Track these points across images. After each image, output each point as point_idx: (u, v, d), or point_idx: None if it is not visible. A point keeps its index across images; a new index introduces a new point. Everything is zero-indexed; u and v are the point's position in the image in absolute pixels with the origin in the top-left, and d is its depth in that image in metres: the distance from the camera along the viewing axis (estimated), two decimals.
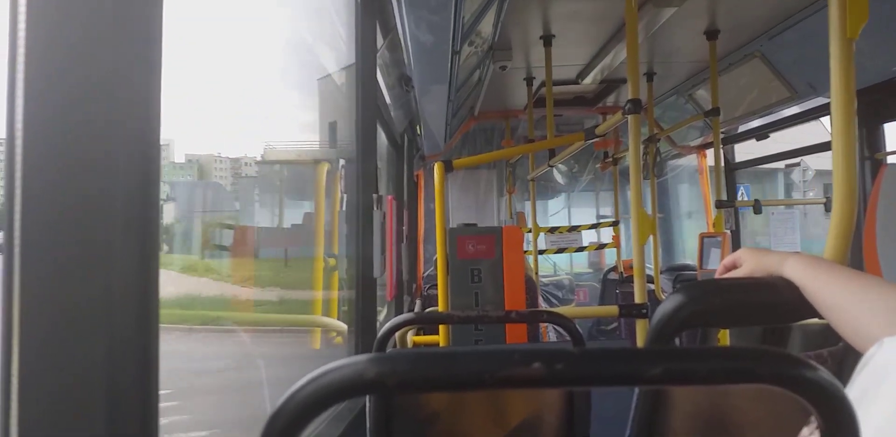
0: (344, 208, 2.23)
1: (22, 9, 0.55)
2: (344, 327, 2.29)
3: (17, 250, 0.55)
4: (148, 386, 0.61)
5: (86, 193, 0.56)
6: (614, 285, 5.20)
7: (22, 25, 0.55)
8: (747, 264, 1.00)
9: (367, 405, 1.29)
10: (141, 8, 0.61)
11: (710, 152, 4.86)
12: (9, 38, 0.55)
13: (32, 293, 0.55)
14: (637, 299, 2.24)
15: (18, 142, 0.55)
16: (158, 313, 0.63)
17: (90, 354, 0.56)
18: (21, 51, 0.55)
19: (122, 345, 0.58)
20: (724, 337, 3.14)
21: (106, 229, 0.57)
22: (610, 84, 4.50)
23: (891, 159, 2.86)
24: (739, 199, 4.87)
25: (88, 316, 0.57)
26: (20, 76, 0.55)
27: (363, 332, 2.00)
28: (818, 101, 3.37)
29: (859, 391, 0.60)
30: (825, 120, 3.48)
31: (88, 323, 0.57)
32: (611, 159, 5.36)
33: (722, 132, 3.80)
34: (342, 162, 2.25)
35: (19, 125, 0.55)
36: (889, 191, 2.37)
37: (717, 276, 1.05)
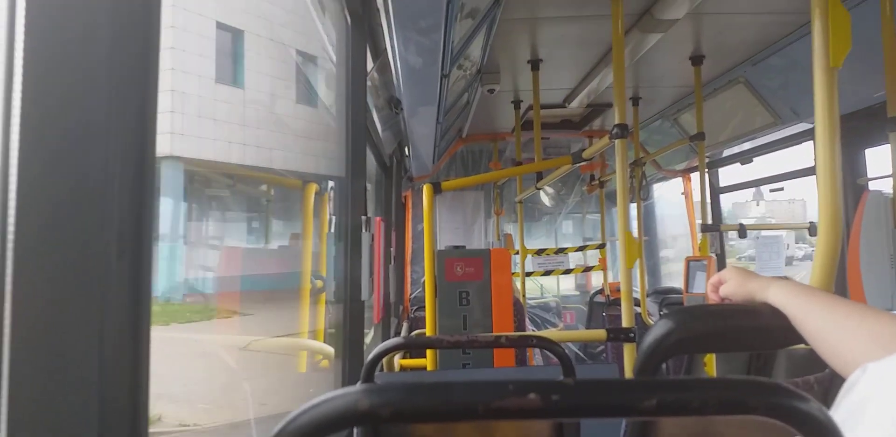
0: (332, 230, 2.22)
1: (21, 8, 0.55)
2: (331, 350, 2.27)
3: (9, 254, 0.55)
4: (138, 391, 0.61)
5: (80, 198, 0.56)
6: (601, 307, 5.20)
7: (21, 21, 0.55)
8: (732, 282, 1.01)
9: (354, 430, 1.28)
10: (140, 11, 0.62)
11: (695, 176, 4.91)
12: (6, 39, 0.55)
13: (24, 301, 0.55)
14: (624, 323, 2.24)
15: (14, 145, 0.55)
16: (150, 319, 0.63)
17: (81, 358, 0.56)
18: (19, 55, 0.55)
19: (114, 350, 0.58)
20: (711, 361, 3.15)
21: (99, 233, 0.57)
22: (596, 108, 4.55)
23: (873, 185, 2.90)
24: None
25: (80, 320, 0.56)
26: (17, 87, 0.55)
27: (351, 356, 1.99)
28: (803, 126, 3.42)
29: (843, 416, 0.60)
30: (808, 145, 3.53)
31: (80, 327, 0.56)
32: (597, 182, 5.40)
33: (707, 156, 3.84)
34: (331, 183, 2.25)
35: (15, 134, 0.55)
36: (872, 217, 2.39)
37: (707, 293, 1.07)
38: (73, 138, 0.56)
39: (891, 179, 2.43)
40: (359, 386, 0.45)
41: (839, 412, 0.61)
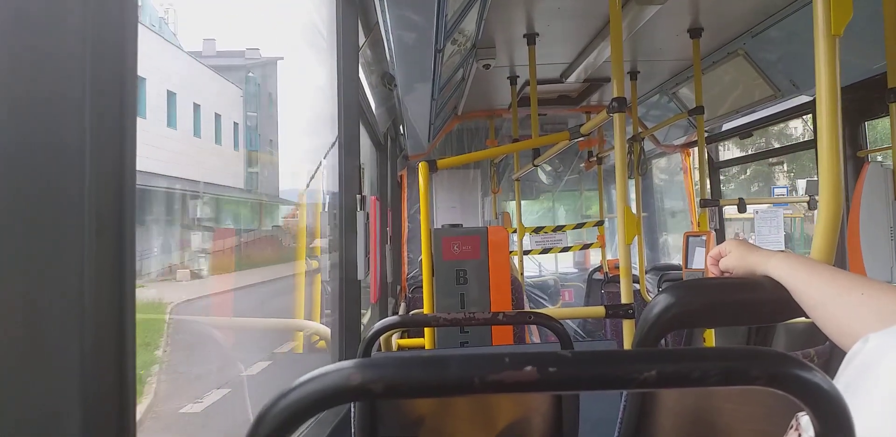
0: (326, 209, 2.20)
1: None
2: (327, 330, 2.26)
3: None
4: (125, 392, 0.59)
5: (53, 189, 0.54)
6: (599, 284, 5.21)
7: None
8: (732, 254, 1.01)
9: (353, 409, 1.27)
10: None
11: (694, 151, 4.88)
12: None
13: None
14: (623, 300, 2.24)
15: None
16: (135, 316, 0.61)
17: (62, 361, 0.54)
18: None
19: (96, 350, 0.56)
20: (710, 336, 3.16)
21: (76, 228, 0.55)
22: (594, 83, 4.50)
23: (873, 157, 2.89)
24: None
25: (60, 322, 0.54)
26: None
27: (347, 335, 1.98)
28: (802, 98, 3.39)
29: (844, 386, 0.60)
30: (807, 118, 3.50)
31: (60, 329, 0.54)
32: (595, 158, 5.37)
33: (706, 131, 3.81)
34: (324, 162, 2.23)
35: None
36: (872, 189, 2.38)
37: (707, 266, 1.06)
38: (46, 124, 0.54)
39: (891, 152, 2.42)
40: (351, 361, 0.44)
41: (840, 383, 0.61)
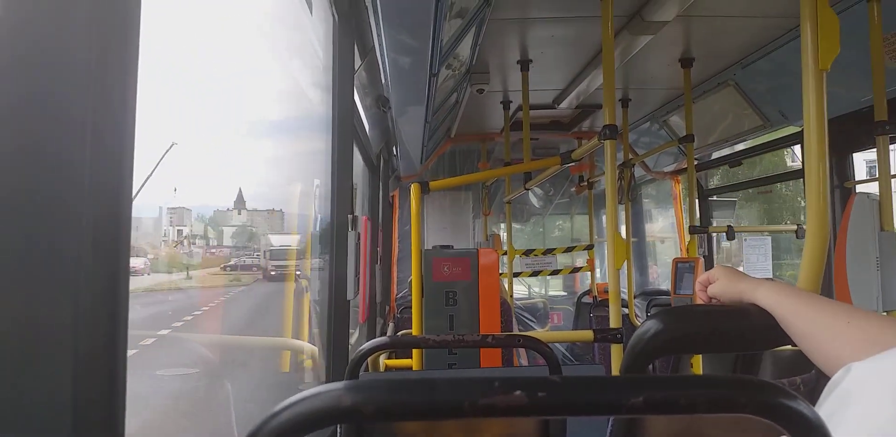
0: (318, 229, 2.21)
1: None
2: (315, 349, 2.25)
3: None
4: (114, 394, 0.59)
5: (50, 199, 0.54)
6: (588, 308, 5.20)
7: None
8: (720, 282, 1.01)
9: (339, 430, 1.27)
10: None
11: (683, 178, 4.93)
12: None
13: None
14: (612, 324, 2.24)
15: None
16: (127, 328, 0.61)
17: (56, 364, 0.54)
18: None
19: (89, 355, 0.56)
20: (697, 362, 3.16)
21: (73, 239, 0.55)
22: (586, 109, 4.55)
23: (860, 188, 2.92)
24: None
25: (55, 326, 0.54)
26: None
27: (335, 355, 1.97)
28: (791, 129, 3.43)
29: (826, 415, 0.61)
30: (796, 148, 3.55)
31: (55, 333, 0.55)
32: (586, 183, 5.40)
33: (695, 158, 3.85)
34: (317, 182, 2.24)
35: None
36: (859, 219, 2.40)
37: (696, 291, 1.07)
38: (44, 128, 0.55)
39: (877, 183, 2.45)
40: (342, 383, 0.44)
41: (821, 412, 0.62)
